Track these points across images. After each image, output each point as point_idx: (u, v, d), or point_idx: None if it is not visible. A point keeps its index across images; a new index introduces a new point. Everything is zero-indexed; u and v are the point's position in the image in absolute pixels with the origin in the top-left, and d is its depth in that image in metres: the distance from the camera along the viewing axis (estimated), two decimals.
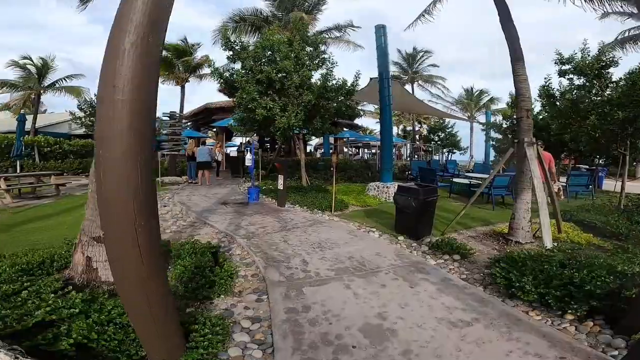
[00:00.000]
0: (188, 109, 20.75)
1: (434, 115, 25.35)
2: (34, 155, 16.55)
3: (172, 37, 17.79)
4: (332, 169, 7.77)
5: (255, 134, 13.82)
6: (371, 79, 13.15)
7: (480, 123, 26.08)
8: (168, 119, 13.32)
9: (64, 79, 18.75)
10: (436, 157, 25.68)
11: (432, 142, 27.55)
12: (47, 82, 18.31)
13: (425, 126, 40.49)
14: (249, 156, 10.37)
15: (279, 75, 8.45)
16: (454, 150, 28.14)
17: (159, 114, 20.21)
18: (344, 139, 25.02)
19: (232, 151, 14.37)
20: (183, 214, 7.62)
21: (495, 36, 7.30)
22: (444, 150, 27.35)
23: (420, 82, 34.14)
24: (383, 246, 5.34)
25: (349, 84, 9.43)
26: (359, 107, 11.17)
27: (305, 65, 8.85)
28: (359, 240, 5.57)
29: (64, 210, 8.20)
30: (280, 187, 8.39)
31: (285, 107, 8.68)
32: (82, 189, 11.84)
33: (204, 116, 20.80)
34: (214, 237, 5.71)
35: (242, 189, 11.46)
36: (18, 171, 10.22)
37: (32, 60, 17.59)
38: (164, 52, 17.17)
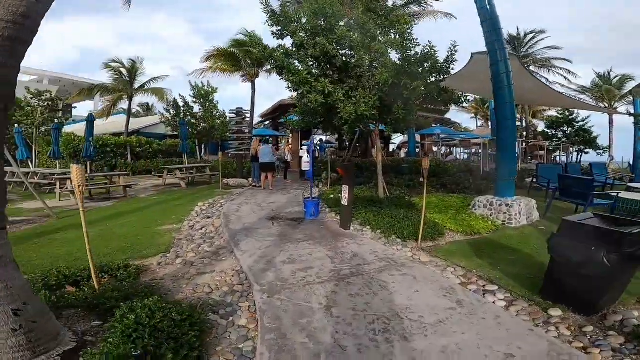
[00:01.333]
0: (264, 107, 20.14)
1: (564, 106, 19.76)
2: (126, 155, 17.64)
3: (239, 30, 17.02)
4: (422, 178, 5.16)
5: (322, 130, 11.90)
6: (473, 54, 9.87)
7: (630, 114, 19.44)
8: (234, 116, 12.23)
9: (151, 81, 19.89)
10: (562, 158, 20.10)
11: (554, 140, 21.79)
12: (136, 85, 19.57)
13: (537, 121, 33.25)
14: (306, 158, 8.39)
15: (339, 49, 6.17)
16: (587, 150, 21.82)
17: (225, 110, 19.99)
18: (433, 136, 21.36)
19: (302, 151, 12.49)
20: (217, 232, 5.96)
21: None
22: (573, 149, 21.34)
23: (533, 67, 27.80)
24: (520, 336, 2.64)
25: (441, 59, 6.62)
26: (459, 93, 8.01)
27: (376, 37, 6.40)
28: (466, 318, 2.96)
29: (105, 217, 7.37)
30: (344, 201, 6.13)
31: (352, 91, 6.35)
32: (149, 192, 11.43)
33: (280, 114, 19.79)
34: (225, 283, 3.76)
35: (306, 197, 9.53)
36: (87, 172, 10.12)
37: (123, 64, 18.91)
38: (230, 48, 16.58)
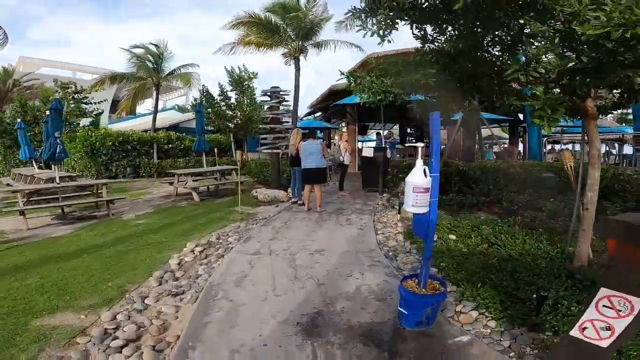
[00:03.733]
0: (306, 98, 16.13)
1: None
2: (152, 153, 14.88)
3: None
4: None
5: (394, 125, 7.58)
6: None
7: None
8: (268, 98, 8.36)
9: (181, 67, 16.94)
10: None
11: None
12: (164, 73, 16.72)
13: None
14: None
15: None
16: None
17: (257, 92, 14.92)
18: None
19: (367, 149, 8.16)
20: None
21: None
22: None
23: None
24: None
25: None
26: None
27: None
28: None
29: (25, 264, 3.83)
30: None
31: None
32: (146, 207, 8.01)
33: (332, 104, 15.67)
34: None
35: (382, 237, 5.30)
36: (56, 176, 6.94)
37: (147, 48, 16.11)
38: (264, 15, 12.60)
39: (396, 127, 22.50)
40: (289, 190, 8.15)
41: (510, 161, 7.53)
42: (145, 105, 32.47)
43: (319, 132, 7.02)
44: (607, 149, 17.93)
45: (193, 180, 8.82)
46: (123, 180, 13.61)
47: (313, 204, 6.79)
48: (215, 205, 7.94)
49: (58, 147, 7.04)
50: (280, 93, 8.48)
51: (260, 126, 9.49)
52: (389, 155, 8.76)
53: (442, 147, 12.75)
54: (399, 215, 6.03)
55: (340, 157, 8.22)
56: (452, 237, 4.73)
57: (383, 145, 9.35)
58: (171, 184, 9.45)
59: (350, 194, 8.45)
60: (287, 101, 8.62)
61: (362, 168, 8.62)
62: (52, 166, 7.58)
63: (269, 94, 8.50)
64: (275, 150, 8.21)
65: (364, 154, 8.34)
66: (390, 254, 4.46)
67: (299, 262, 4.13)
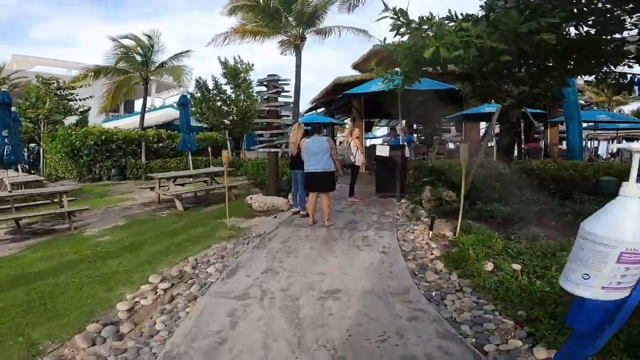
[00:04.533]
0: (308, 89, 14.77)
1: None
2: (140, 152, 13.59)
3: None
4: None
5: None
6: None
7: None
8: (264, 89, 7.04)
9: (173, 59, 15.54)
10: None
11: None
12: (154, 66, 15.31)
13: None
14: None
15: None
16: None
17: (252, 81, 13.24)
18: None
19: (381, 147, 6.79)
20: None
21: None
22: None
23: None
24: None
25: None
26: None
27: None
28: None
29: None
30: None
31: None
32: (119, 219, 6.71)
33: (338, 97, 14.31)
34: None
35: (414, 265, 3.99)
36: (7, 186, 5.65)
37: (138, 40, 14.70)
38: None
39: (402, 122, 21.12)
40: (290, 196, 6.83)
41: (558, 161, 6.19)
42: (147, 102, 31.02)
43: (323, 127, 5.71)
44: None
45: (177, 185, 7.51)
46: (108, 182, 12.34)
47: (319, 215, 5.46)
48: (201, 216, 6.63)
49: (6, 149, 5.74)
50: (279, 82, 7.15)
51: (256, 121, 8.15)
52: (407, 154, 7.44)
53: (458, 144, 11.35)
54: (430, 232, 4.71)
55: (351, 157, 6.89)
56: (516, 266, 3.41)
57: (400, 143, 7.98)
58: (152, 189, 8.14)
59: (362, 201, 7.12)
60: (287, 92, 7.30)
61: (377, 170, 7.30)
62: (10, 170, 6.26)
63: (265, 83, 7.17)
64: (273, 149, 6.88)
65: (378, 153, 7.00)
66: (434, 294, 3.15)
67: (305, 313, 2.81)
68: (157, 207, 7.58)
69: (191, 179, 8.75)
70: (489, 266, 3.61)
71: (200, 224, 5.99)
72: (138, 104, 28.63)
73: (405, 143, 8.02)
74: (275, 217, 6.23)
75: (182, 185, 8.49)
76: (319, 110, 16.57)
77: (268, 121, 6.98)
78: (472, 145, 12.55)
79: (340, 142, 15.37)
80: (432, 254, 4.20)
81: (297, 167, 5.62)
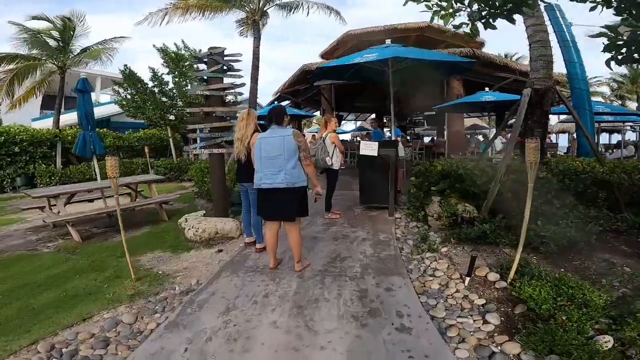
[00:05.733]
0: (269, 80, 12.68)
1: None
2: (55, 156, 10.75)
3: None
4: None
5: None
6: None
7: None
8: (204, 67, 4.91)
9: (100, 44, 12.64)
10: None
11: None
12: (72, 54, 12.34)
13: None
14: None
15: None
16: None
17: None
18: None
19: (367, 144, 4.89)
20: None
21: None
22: None
23: None
24: None
25: None
26: None
27: None
28: None
29: None
30: None
31: None
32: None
33: (306, 87, 12.43)
34: None
35: (466, 355, 2.10)
36: None
37: (54, 23, 11.68)
38: None
39: (372, 116, 19.67)
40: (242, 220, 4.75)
41: (608, 161, 4.74)
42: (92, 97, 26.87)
43: (287, 118, 3.79)
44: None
45: (85, 202, 5.19)
46: (14, 195, 9.46)
47: (284, 249, 3.50)
48: (106, 250, 4.38)
49: None
50: (225, 58, 5.06)
51: (188, 110, 5.97)
52: (401, 153, 5.69)
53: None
54: (467, 280, 2.94)
55: (327, 159, 4.98)
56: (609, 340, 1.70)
57: (392, 138, 6.18)
58: (43, 209, 5.71)
59: (343, 217, 5.26)
60: (238, 72, 5.22)
61: (361, 174, 5.45)
62: None
63: (205, 60, 5.04)
64: (216, 150, 4.78)
65: (363, 151, 5.16)
66: None
67: None
68: (50, 234, 5.21)
69: (107, 193, 6.37)
70: (605, 341, 1.91)
71: (97, 266, 3.81)
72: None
73: (398, 138, 6.26)
74: (221, 250, 4.19)
75: (92, 201, 6.11)
76: (284, 103, 14.52)
77: (207, 110, 4.87)
78: (456, 140, 11.28)
79: (313, 136, 13.29)
80: (484, 321, 2.43)
81: (248, 179, 3.58)
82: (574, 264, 3.27)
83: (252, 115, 3.65)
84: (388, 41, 5.86)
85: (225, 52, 5.11)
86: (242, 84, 5.19)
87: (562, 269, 3.16)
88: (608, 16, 1.92)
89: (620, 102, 24.92)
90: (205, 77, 5.08)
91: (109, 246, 4.56)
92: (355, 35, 12.44)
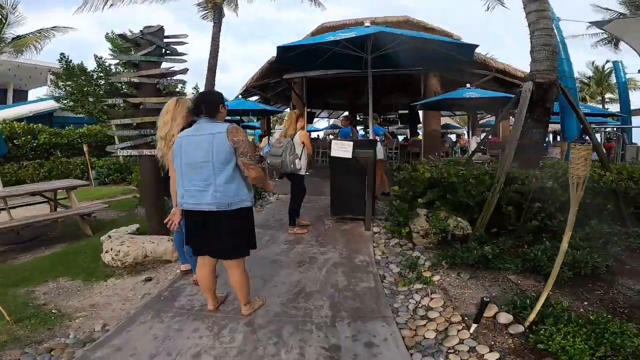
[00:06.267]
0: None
1: None
2: None
3: None
4: None
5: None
6: None
7: None
8: (129, 45, 3.86)
9: (37, 32, 11.00)
10: None
11: None
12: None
13: None
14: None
15: None
16: None
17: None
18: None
19: (339, 143, 4.06)
20: None
21: None
22: None
23: None
24: None
25: None
26: None
27: None
28: None
29: None
30: None
31: None
32: None
33: (277, 81, 11.50)
34: None
35: None
36: None
37: None
38: None
39: (345, 114, 18.97)
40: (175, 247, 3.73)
41: (627, 167, 4.21)
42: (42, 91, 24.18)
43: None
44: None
45: None
46: None
47: (224, 305, 2.58)
48: None
49: None
50: (166, 40, 4.04)
51: (107, 103, 4.85)
52: (380, 155, 4.88)
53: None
54: (473, 326, 2.17)
55: (297, 162, 4.08)
56: None
57: (373, 136, 5.33)
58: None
59: (311, 230, 4.41)
60: (182, 56, 4.21)
61: (333, 179, 4.59)
62: None
63: (137, 39, 3.98)
64: (147, 152, 3.74)
65: (335, 153, 4.32)
66: None
67: None
68: None
69: (19, 201, 5.12)
70: None
71: None
72: (33, 93, 22.13)
73: (377, 137, 5.45)
74: (150, 279, 3.21)
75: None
76: (253, 98, 13.43)
77: (135, 102, 3.83)
78: (432, 139, 10.77)
79: (271, 134, 12.09)
80: None
81: (166, 194, 2.61)
82: (596, 294, 2.62)
83: (182, 107, 2.68)
84: (367, 23, 5.08)
85: (156, 27, 4.06)
86: (185, 70, 4.18)
87: (586, 302, 2.50)
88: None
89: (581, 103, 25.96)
90: (137, 62, 4.04)
91: (6, 269, 3.44)
92: (331, 28, 11.66)
